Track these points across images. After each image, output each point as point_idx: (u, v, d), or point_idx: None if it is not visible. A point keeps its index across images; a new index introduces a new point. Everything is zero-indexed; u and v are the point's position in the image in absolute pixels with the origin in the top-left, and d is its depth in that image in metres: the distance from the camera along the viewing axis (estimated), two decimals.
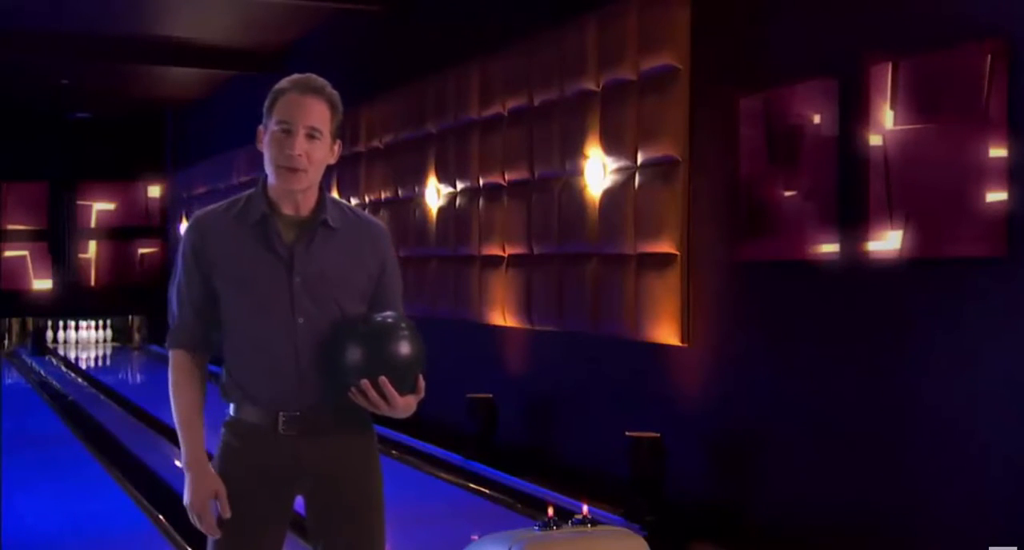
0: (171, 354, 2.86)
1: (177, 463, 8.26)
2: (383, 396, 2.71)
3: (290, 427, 2.78)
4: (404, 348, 2.73)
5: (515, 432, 7.95)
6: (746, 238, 5.78)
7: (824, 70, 5.28)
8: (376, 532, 2.89)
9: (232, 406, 2.85)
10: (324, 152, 2.79)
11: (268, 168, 2.79)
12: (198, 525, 2.76)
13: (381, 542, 2.90)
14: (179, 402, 2.83)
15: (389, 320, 2.78)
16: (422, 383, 2.80)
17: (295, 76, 2.82)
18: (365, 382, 2.69)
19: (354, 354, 2.71)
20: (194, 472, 2.78)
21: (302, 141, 2.74)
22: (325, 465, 2.82)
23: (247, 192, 2.88)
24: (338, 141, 2.85)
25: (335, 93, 2.83)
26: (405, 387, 2.75)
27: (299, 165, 2.74)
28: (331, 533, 2.86)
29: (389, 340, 2.74)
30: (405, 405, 2.77)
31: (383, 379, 2.69)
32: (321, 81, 2.82)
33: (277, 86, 2.81)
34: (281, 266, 2.78)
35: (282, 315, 2.75)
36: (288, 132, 2.74)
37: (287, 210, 2.81)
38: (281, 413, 2.78)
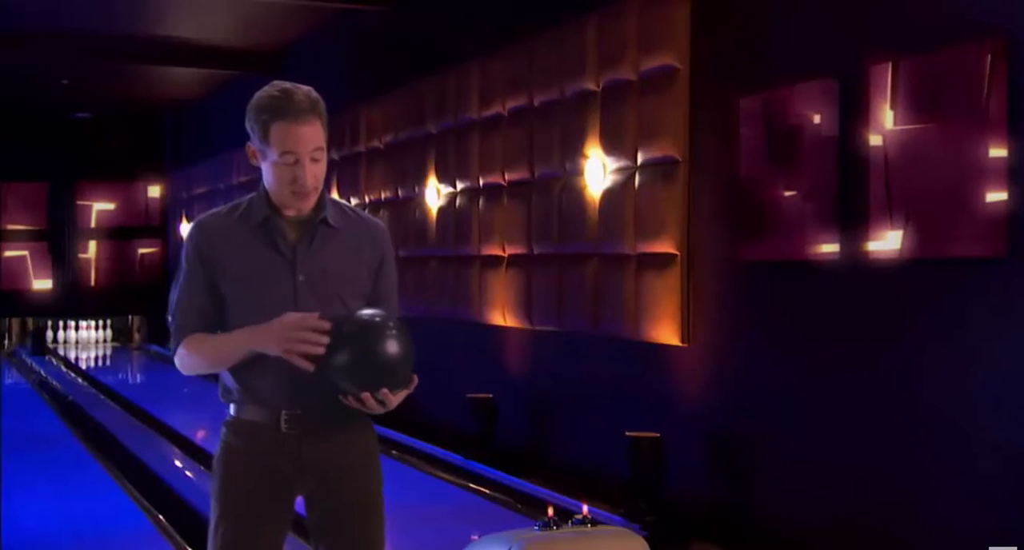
0: (179, 346, 2.84)
1: (177, 463, 8.26)
2: (381, 402, 2.72)
3: (293, 425, 2.79)
4: (392, 347, 2.69)
5: (515, 432, 7.95)
6: (746, 238, 5.78)
7: (824, 70, 5.28)
8: (377, 533, 2.90)
9: (232, 406, 2.85)
10: (326, 163, 2.82)
11: (273, 188, 2.80)
12: (303, 341, 2.65)
13: (382, 542, 2.91)
14: (205, 344, 2.80)
15: (376, 319, 2.74)
16: (415, 380, 2.78)
17: (277, 96, 2.73)
18: (366, 394, 2.68)
19: (342, 355, 2.68)
20: (255, 332, 2.71)
21: (310, 167, 2.75)
22: (328, 464, 2.82)
23: (248, 196, 2.89)
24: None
25: (319, 100, 2.80)
26: (396, 386, 2.72)
27: (311, 189, 2.78)
28: (333, 534, 2.86)
29: (376, 340, 2.69)
30: (396, 402, 2.76)
31: (384, 391, 2.68)
32: (301, 96, 2.75)
33: (263, 110, 2.73)
34: (285, 265, 2.80)
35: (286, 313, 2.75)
36: (295, 163, 2.74)
37: (288, 212, 2.83)
38: (284, 411, 2.78)
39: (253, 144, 2.80)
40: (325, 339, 2.65)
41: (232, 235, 2.83)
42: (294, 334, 2.66)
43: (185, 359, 2.85)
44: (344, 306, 2.80)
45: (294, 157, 2.74)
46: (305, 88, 2.80)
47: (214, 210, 2.94)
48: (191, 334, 2.83)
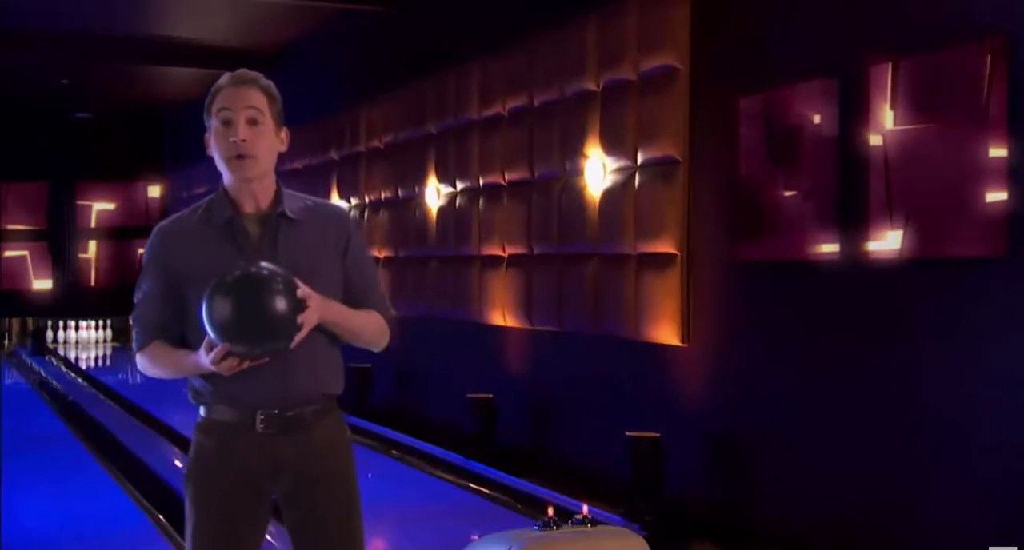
0: (140, 354, 2.86)
1: (177, 463, 8.27)
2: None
3: (269, 425, 2.77)
4: (279, 303, 2.61)
5: (515, 432, 7.95)
6: (746, 238, 5.78)
7: (824, 70, 5.28)
8: (355, 532, 2.88)
9: (203, 408, 2.83)
10: (270, 138, 2.80)
11: (220, 166, 2.81)
12: (220, 363, 2.66)
13: (361, 542, 2.90)
14: (164, 358, 2.81)
15: (264, 271, 2.65)
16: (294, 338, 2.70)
17: (227, 73, 2.84)
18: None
19: (223, 308, 2.61)
20: (199, 359, 2.71)
21: (244, 127, 2.75)
22: (304, 464, 2.80)
23: (208, 197, 2.88)
24: (284, 129, 2.85)
25: (270, 83, 2.84)
26: (280, 343, 2.66)
27: (246, 151, 2.75)
28: (311, 534, 2.84)
29: (262, 293, 2.61)
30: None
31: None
32: (254, 73, 2.83)
33: (211, 88, 2.83)
34: None
35: None
36: (228, 122, 2.76)
37: (248, 209, 2.82)
38: (260, 412, 2.76)
39: (207, 129, 2.82)
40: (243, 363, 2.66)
41: (194, 239, 2.81)
42: (220, 366, 2.66)
43: (147, 367, 2.87)
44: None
45: (228, 114, 2.75)
46: (257, 73, 2.85)
47: (174, 215, 2.93)
48: (151, 342, 2.84)
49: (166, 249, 2.83)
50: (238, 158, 2.76)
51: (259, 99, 2.78)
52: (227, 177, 2.82)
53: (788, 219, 5.47)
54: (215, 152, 2.80)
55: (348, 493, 2.89)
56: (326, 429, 2.85)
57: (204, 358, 2.68)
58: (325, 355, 2.86)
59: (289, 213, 2.83)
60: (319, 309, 2.72)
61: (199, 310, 2.66)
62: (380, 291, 2.99)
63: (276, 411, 2.77)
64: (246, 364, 2.67)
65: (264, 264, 2.68)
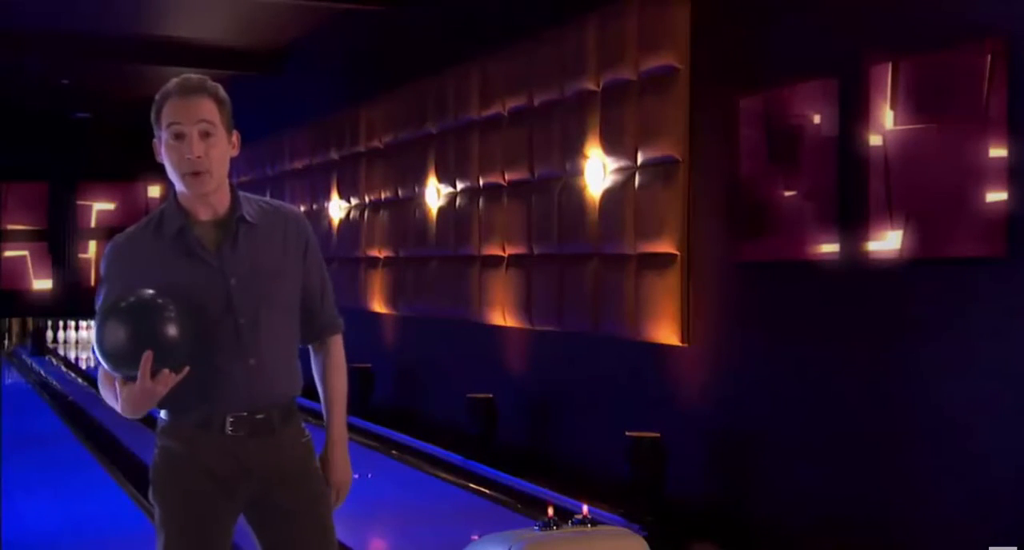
0: (100, 371, 2.82)
1: None
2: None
3: (239, 428, 2.76)
4: (171, 329, 2.60)
5: (515, 432, 7.95)
6: (746, 238, 5.78)
7: (824, 70, 5.28)
8: (328, 531, 2.88)
9: (166, 412, 2.80)
10: (222, 147, 2.76)
11: (172, 177, 2.77)
12: (156, 384, 2.60)
13: (333, 541, 2.90)
14: (108, 393, 2.76)
15: (159, 299, 2.63)
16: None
17: (172, 80, 2.79)
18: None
19: (117, 334, 2.59)
20: (129, 387, 2.64)
21: (197, 142, 2.71)
22: (272, 466, 2.80)
23: (161, 206, 2.86)
24: (235, 133, 2.82)
25: (217, 86, 2.79)
26: (169, 364, 2.62)
27: (201, 167, 2.72)
28: (285, 536, 2.84)
29: (154, 319, 2.60)
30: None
31: (147, 354, 2.58)
32: (199, 78, 2.78)
33: (158, 95, 2.77)
34: (214, 272, 2.75)
35: (224, 319, 2.71)
36: (180, 136, 2.71)
37: (204, 216, 2.80)
38: (228, 414, 2.75)
39: (155, 135, 2.78)
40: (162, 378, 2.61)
41: (150, 254, 2.78)
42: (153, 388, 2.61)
43: (100, 390, 2.83)
44: (280, 301, 2.79)
45: (180, 129, 2.70)
46: (203, 77, 2.80)
47: (128, 230, 2.90)
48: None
49: (121, 266, 2.80)
50: (193, 175, 2.72)
51: (210, 109, 2.73)
52: (173, 179, 2.78)
53: (788, 219, 5.47)
54: (168, 165, 2.76)
55: (317, 493, 2.88)
56: (291, 431, 2.86)
57: (137, 390, 2.61)
58: (288, 357, 2.86)
59: (248, 217, 2.81)
60: (348, 470, 2.91)
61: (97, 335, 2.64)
62: (331, 295, 2.98)
63: (245, 413, 2.76)
64: (179, 376, 2.63)
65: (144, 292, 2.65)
